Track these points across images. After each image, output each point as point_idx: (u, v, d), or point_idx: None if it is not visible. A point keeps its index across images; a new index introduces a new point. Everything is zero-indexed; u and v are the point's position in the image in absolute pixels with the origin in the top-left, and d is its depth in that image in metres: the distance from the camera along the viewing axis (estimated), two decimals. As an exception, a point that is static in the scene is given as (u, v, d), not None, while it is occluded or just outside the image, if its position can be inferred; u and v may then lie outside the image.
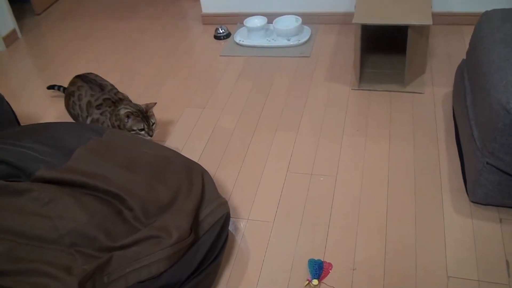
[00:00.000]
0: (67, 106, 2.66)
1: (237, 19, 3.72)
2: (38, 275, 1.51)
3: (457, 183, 2.19)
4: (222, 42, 3.57)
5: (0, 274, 1.51)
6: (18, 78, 3.41)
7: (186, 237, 1.69)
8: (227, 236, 1.90)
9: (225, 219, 1.88)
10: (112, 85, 2.63)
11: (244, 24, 3.48)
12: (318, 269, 1.88)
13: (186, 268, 1.68)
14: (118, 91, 2.59)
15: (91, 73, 2.70)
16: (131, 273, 1.58)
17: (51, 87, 3.13)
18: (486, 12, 2.29)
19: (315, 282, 1.84)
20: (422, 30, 2.64)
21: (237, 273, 1.93)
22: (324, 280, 1.85)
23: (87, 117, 2.51)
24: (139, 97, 3.04)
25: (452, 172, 2.25)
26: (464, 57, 2.45)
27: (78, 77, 2.66)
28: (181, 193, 1.86)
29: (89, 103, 2.50)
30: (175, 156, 2.05)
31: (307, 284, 1.85)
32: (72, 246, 1.62)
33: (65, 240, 1.63)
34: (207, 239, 1.78)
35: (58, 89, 3.10)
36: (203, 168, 2.04)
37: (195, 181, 1.94)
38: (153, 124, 2.45)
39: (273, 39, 3.44)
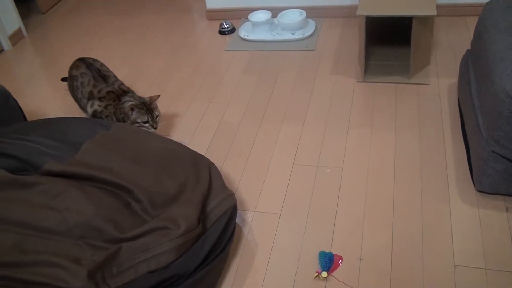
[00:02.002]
0: (70, 88, 2.66)
1: (242, 14, 3.73)
2: (48, 266, 1.53)
3: (463, 173, 2.19)
4: (227, 37, 3.58)
5: (10, 266, 1.53)
6: (25, 76, 3.43)
7: (194, 228, 1.70)
8: (234, 227, 1.91)
9: (232, 210, 1.89)
10: (115, 76, 2.63)
11: (249, 18, 3.49)
12: (329, 261, 1.88)
13: (194, 259, 1.69)
14: (122, 83, 2.59)
15: (96, 60, 2.67)
16: (140, 264, 1.60)
17: (64, 79, 3.12)
18: (490, 2, 2.28)
19: (324, 274, 1.84)
20: (427, 21, 2.64)
21: (245, 265, 1.94)
22: (334, 273, 1.86)
23: (86, 104, 2.53)
24: (146, 92, 3.05)
25: (458, 162, 2.25)
26: (469, 47, 2.45)
27: (81, 61, 2.62)
28: (189, 185, 1.88)
29: (91, 93, 2.51)
30: (182, 149, 2.06)
31: (316, 276, 1.85)
32: (80, 238, 1.64)
33: (73, 232, 1.65)
34: (214, 231, 1.79)
35: None
36: (210, 160, 2.06)
37: (202, 173, 1.95)
38: (157, 116, 2.46)
39: (277, 33, 3.44)
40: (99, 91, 2.50)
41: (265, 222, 2.10)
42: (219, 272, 1.87)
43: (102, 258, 1.56)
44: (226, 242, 1.83)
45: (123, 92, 2.53)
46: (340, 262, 1.89)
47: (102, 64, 2.66)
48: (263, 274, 1.90)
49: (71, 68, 2.66)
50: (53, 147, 1.94)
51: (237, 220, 2.11)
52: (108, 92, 2.49)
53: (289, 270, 1.90)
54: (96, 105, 2.49)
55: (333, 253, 1.92)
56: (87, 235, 1.65)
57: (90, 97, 2.51)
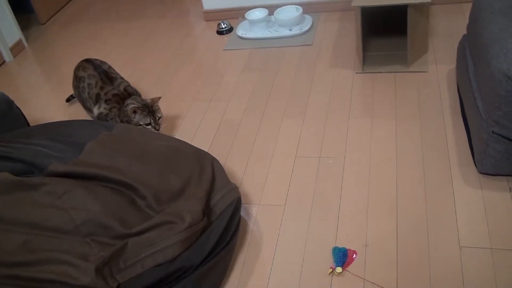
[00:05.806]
0: (76, 88, 2.68)
1: (238, 13, 3.75)
2: (56, 263, 1.55)
3: (465, 156, 2.20)
4: (225, 36, 3.60)
5: (19, 265, 1.55)
6: (27, 86, 3.46)
7: (199, 221, 1.72)
8: (239, 220, 1.93)
9: (237, 203, 1.90)
10: (122, 77, 2.66)
11: (246, 17, 3.51)
12: (343, 256, 1.87)
13: (200, 252, 1.71)
14: (128, 85, 2.61)
15: (104, 62, 2.69)
16: (147, 258, 1.61)
17: (69, 99, 3.14)
18: (484, -15, 2.29)
19: (338, 269, 1.83)
20: (422, 8, 2.65)
21: (251, 257, 1.95)
22: (348, 268, 1.85)
23: (94, 105, 2.55)
24: (148, 94, 3.07)
25: (459, 146, 2.26)
26: (465, 33, 2.46)
27: (89, 62, 2.64)
28: (192, 180, 1.89)
29: (98, 95, 2.54)
30: (185, 146, 2.08)
31: (331, 272, 1.84)
32: (88, 236, 1.66)
33: (81, 230, 1.67)
34: (219, 223, 1.80)
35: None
36: (212, 156, 2.07)
37: (205, 168, 1.96)
38: (159, 118, 2.48)
39: (275, 30, 3.46)
40: (105, 94, 2.53)
41: (270, 214, 2.12)
42: (226, 264, 1.88)
43: (109, 253, 1.58)
44: (231, 235, 1.85)
45: (128, 94, 2.55)
46: (354, 257, 1.88)
47: (110, 67, 2.68)
48: (269, 265, 1.91)
49: (77, 68, 2.67)
50: (57, 149, 1.96)
51: (242, 214, 2.13)
52: (113, 95, 2.52)
53: (295, 260, 1.91)
54: (102, 108, 2.52)
55: (347, 248, 1.92)
56: (94, 232, 1.67)
57: (98, 99, 2.53)
